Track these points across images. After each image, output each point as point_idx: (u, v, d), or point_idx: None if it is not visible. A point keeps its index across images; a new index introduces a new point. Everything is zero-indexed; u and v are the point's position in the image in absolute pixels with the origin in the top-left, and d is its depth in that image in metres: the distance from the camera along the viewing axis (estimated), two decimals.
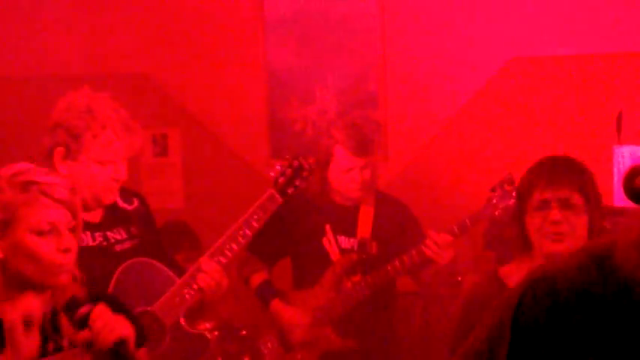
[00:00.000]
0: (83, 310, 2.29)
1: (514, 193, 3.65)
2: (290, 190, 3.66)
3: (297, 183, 3.69)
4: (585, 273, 1.56)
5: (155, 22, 5.55)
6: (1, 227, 2.34)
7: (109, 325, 2.29)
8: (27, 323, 2.29)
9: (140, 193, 3.69)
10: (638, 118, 4.67)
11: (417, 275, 4.27)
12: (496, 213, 3.86)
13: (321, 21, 5.47)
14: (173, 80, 5.52)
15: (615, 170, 4.23)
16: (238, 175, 5.53)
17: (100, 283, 3.20)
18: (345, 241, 4.23)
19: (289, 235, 4.21)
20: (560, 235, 2.83)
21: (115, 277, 3.32)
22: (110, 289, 3.31)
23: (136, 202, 3.52)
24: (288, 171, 3.69)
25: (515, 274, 2.90)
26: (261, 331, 4.33)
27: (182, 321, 3.48)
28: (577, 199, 2.85)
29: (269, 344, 4.26)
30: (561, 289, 1.56)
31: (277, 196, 3.63)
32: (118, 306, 2.47)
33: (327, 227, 4.21)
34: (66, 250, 2.35)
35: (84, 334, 2.29)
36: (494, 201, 3.86)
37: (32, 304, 2.32)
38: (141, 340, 2.49)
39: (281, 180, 3.67)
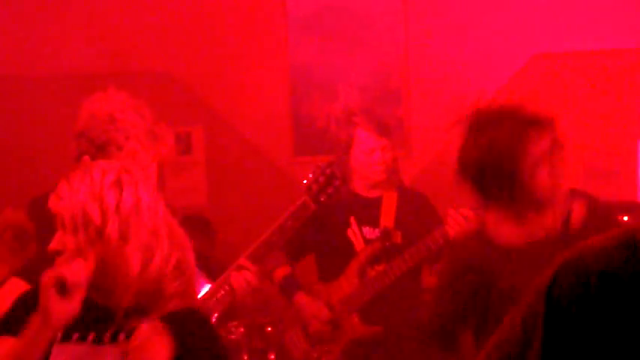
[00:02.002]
0: (132, 323, 2.29)
1: None
2: (323, 198, 3.71)
3: (330, 191, 3.72)
4: (618, 256, 1.55)
5: (178, 20, 5.58)
6: None
7: (144, 346, 2.26)
8: (61, 287, 2.29)
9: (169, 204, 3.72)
10: None
11: (434, 265, 4.26)
12: None
13: (344, 18, 5.49)
14: (196, 78, 5.55)
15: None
16: (262, 172, 5.56)
17: None
18: (369, 232, 4.26)
19: (314, 231, 4.23)
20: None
21: None
22: None
23: None
24: (321, 179, 3.72)
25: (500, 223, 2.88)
26: (286, 326, 4.34)
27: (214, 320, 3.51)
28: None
29: (294, 339, 4.28)
30: (593, 272, 1.55)
31: (310, 203, 3.69)
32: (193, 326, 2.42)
33: (352, 219, 4.25)
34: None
35: (122, 346, 2.29)
36: None
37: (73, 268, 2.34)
38: None
39: (314, 187, 3.70)
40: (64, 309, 2.27)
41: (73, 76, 5.42)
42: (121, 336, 2.31)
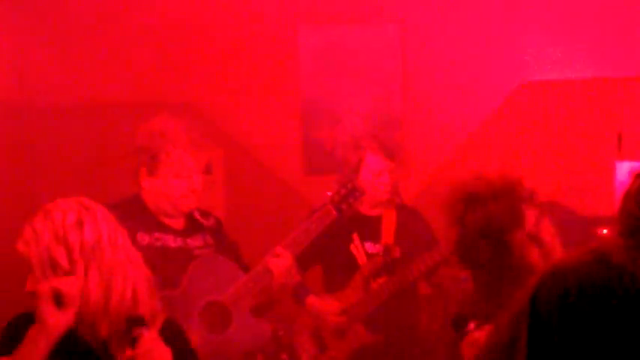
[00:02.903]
0: (138, 331, 2.29)
1: None
2: (344, 207, 4.01)
3: (351, 200, 4.03)
4: (593, 270, 1.63)
5: (199, 55, 5.71)
6: None
7: (152, 353, 2.28)
8: (57, 299, 2.32)
9: (218, 216, 3.99)
10: (635, 137, 4.86)
11: (430, 277, 4.45)
12: None
13: (348, 53, 5.65)
14: (218, 108, 5.70)
15: (617, 182, 4.53)
16: (275, 191, 5.71)
17: (176, 280, 3.62)
18: (371, 247, 4.45)
19: (320, 245, 4.29)
20: None
21: (188, 270, 3.63)
22: (184, 281, 3.65)
23: (212, 220, 3.88)
24: (343, 191, 4.05)
25: None
26: (296, 333, 4.48)
27: (248, 311, 3.75)
28: None
29: (304, 345, 4.44)
30: (572, 285, 1.63)
31: (333, 210, 3.99)
32: (174, 333, 2.50)
33: (355, 235, 4.46)
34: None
35: (128, 353, 2.28)
36: None
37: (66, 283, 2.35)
38: None
39: (336, 198, 4.02)
40: (59, 319, 2.31)
41: (97, 106, 5.52)
42: None
